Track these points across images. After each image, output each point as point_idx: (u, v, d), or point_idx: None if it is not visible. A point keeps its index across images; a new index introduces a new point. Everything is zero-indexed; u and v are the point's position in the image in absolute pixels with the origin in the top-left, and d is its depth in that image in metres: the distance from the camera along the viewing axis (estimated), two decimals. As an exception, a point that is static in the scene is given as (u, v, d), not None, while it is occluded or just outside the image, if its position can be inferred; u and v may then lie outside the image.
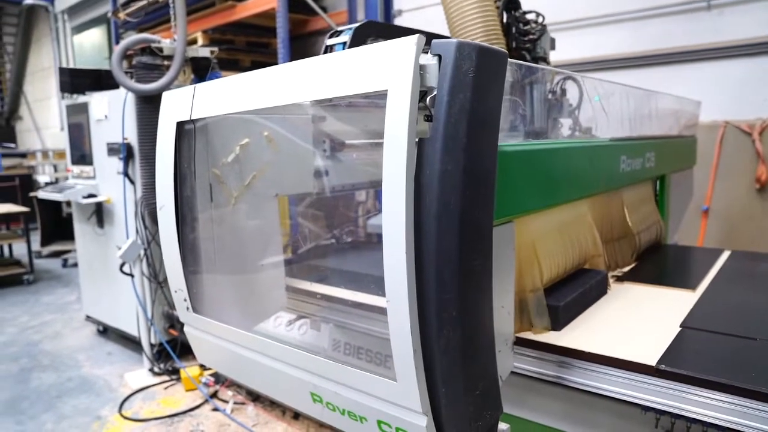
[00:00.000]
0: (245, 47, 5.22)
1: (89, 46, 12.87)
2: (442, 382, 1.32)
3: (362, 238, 3.72)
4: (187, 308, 2.14)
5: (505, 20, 2.85)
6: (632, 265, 2.74)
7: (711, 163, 3.83)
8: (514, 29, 2.72)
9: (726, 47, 3.85)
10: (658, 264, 2.88)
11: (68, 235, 6.58)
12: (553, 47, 3.19)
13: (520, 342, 1.86)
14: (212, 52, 3.28)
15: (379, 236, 3.55)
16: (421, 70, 1.27)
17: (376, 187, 3.17)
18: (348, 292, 1.91)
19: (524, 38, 2.69)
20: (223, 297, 2.20)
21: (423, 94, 1.28)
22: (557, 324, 1.96)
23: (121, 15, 5.87)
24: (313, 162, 2.50)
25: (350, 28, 2.29)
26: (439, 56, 1.27)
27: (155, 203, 3.14)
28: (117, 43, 6.37)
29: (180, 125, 1.99)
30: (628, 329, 1.98)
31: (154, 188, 3.10)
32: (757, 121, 3.71)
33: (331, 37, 2.27)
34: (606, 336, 1.90)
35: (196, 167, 2.09)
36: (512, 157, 1.61)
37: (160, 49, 2.96)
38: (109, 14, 6.83)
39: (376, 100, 2.54)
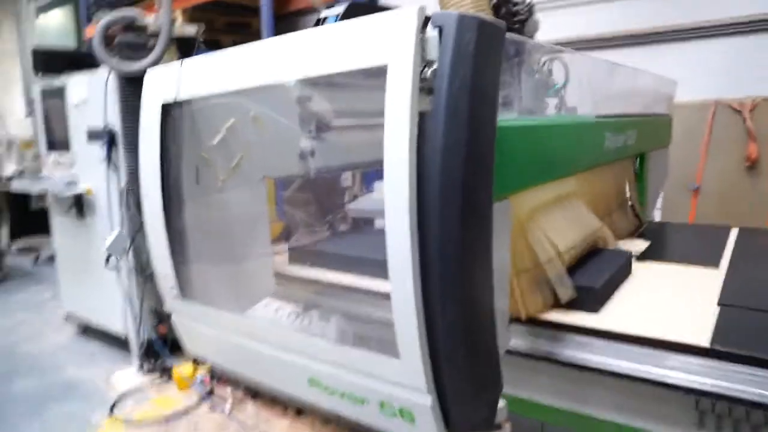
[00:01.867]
0: (225, 27, 5.08)
1: (53, 28, 12.37)
2: (446, 359, 1.31)
3: (352, 222, 3.68)
4: (175, 295, 2.09)
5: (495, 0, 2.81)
6: (647, 244, 2.70)
7: (701, 141, 3.88)
8: (503, 9, 2.69)
9: (715, 26, 3.88)
10: (673, 242, 2.84)
11: (37, 229, 6.28)
12: (537, 29, 3.18)
13: (561, 327, 1.78)
14: (197, 31, 3.17)
15: (365, 220, 3.51)
16: (421, 42, 1.24)
17: (367, 168, 3.15)
18: (344, 275, 1.89)
19: (513, 18, 2.67)
20: (213, 282, 2.15)
21: (423, 68, 1.25)
22: (595, 306, 1.88)
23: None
24: (300, 143, 2.45)
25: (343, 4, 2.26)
26: (440, 28, 1.24)
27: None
28: (88, 23, 6.13)
29: (166, 105, 1.92)
30: (663, 309, 1.91)
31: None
32: (747, 100, 3.76)
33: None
34: (645, 317, 1.82)
35: (183, 149, 2.02)
36: (508, 132, 1.59)
37: (145, 27, 2.84)
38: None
39: (369, 79, 2.51)
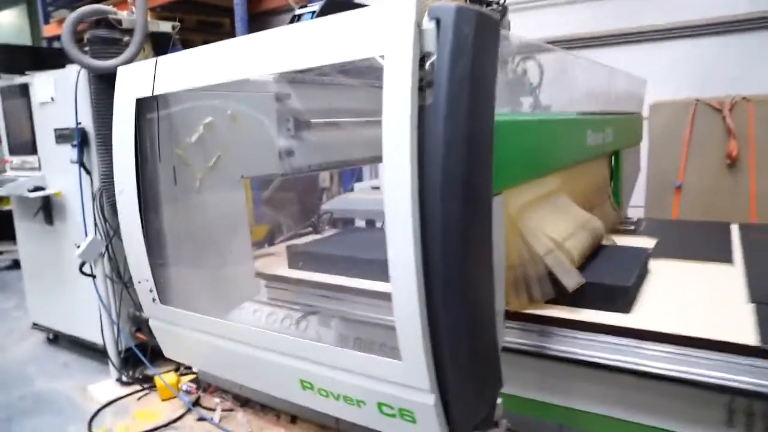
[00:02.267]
0: (196, 26, 4.94)
1: (6, 28, 11.86)
2: (450, 358, 1.28)
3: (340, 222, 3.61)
4: (153, 299, 2.00)
5: (469, -1, 2.81)
6: (652, 241, 2.65)
7: (683, 140, 3.97)
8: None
9: (694, 26, 3.99)
10: (679, 239, 2.78)
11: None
12: (509, 28, 3.19)
13: (592, 328, 1.69)
14: (174, 27, 3.04)
15: (344, 220, 3.44)
16: (419, 34, 1.21)
17: (349, 167, 3.10)
18: (331, 277, 1.84)
19: (487, 16, 2.66)
20: (194, 286, 2.07)
21: (421, 60, 1.22)
22: (627, 306, 1.77)
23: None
24: (279, 141, 2.40)
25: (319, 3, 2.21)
26: (437, 20, 1.21)
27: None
28: (46, 22, 5.87)
29: (140, 102, 1.84)
30: (694, 307, 1.83)
31: (115, 177, 2.89)
32: (726, 98, 3.86)
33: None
34: (679, 316, 1.74)
35: (160, 148, 1.93)
36: (503, 127, 1.57)
37: (119, 22, 2.70)
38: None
39: (352, 76, 2.46)
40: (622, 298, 1.77)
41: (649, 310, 1.79)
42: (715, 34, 3.94)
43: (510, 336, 1.73)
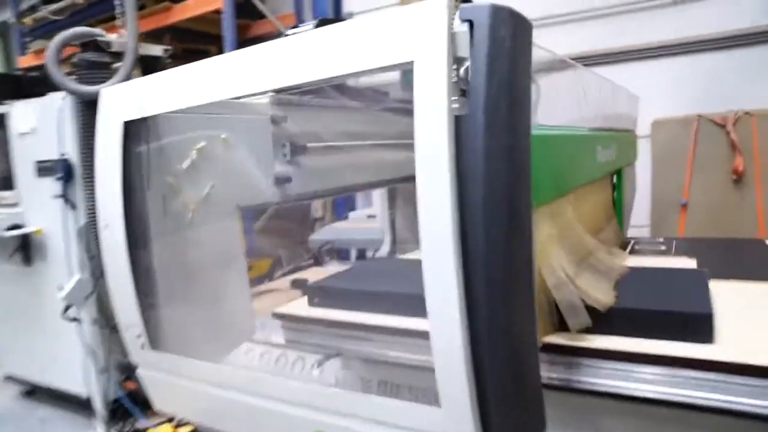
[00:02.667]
0: (182, 54, 4.81)
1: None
2: (495, 400, 1.12)
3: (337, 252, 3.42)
4: (142, 345, 1.80)
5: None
6: (690, 261, 2.36)
7: (687, 156, 3.92)
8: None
9: (694, 42, 3.98)
10: (722, 258, 2.48)
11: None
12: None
13: (671, 362, 1.43)
14: (165, 51, 2.89)
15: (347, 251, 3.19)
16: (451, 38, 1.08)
17: (357, 191, 2.95)
18: (359, 315, 1.64)
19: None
20: (188, 329, 1.87)
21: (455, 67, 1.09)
22: (709, 336, 1.51)
23: (29, 20, 5.20)
24: (275, 167, 2.24)
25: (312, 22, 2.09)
26: (470, 22, 1.09)
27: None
28: (22, 54, 5.66)
29: (128, 126, 1.67)
30: None
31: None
32: (729, 114, 3.84)
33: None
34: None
35: (149, 176, 1.77)
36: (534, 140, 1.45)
37: (108, 44, 2.53)
38: (11, 20, 6.05)
39: (353, 96, 2.32)
40: (703, 326, 1.52)
41: (731, 339, 1.52)
42: (715, 49, 3.93)
43: (558, 372, 1.52)
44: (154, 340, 1.79)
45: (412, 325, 1.47)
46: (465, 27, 1.09)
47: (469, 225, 1.07)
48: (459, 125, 1.07)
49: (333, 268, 3.07)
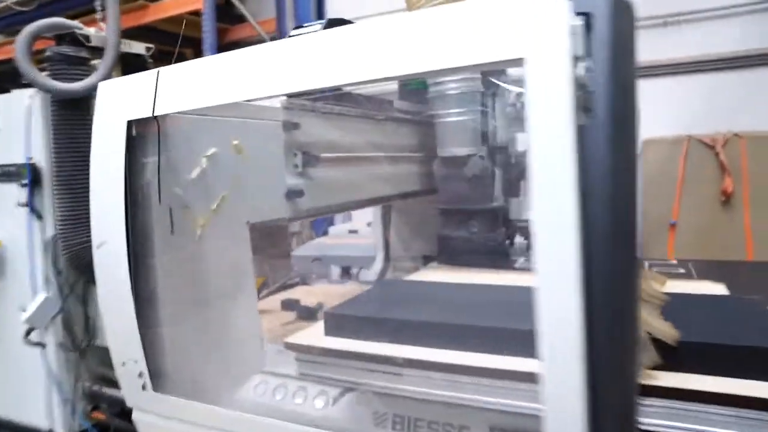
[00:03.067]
0: (158, 55, 4.52)
1: None
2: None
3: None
4: (144, 386, 1.54)
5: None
6: (718, 286, 2.12)
7: (677, 177, 3.92)
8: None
9: (685, 63, 4.03)
10: (749, 282, 2.29)
11: None
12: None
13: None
14: (148, 49, 2.63)
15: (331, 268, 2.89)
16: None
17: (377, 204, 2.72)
18: (381, 346, 1.43)
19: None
20: (197, 364, 1.62)
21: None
22: None
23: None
24: (287, 179, 2.02)
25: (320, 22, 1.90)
26: (586, 15, 0.94)
27: (78, 244, 2.36)
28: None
29: (132, 125, 1.43)
30: None
31: (77, 223, 2.35)
32: (718, 135, 3.87)
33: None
34: None
35: (159, 186, 1.52)
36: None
37: (87, 38, 2.24)
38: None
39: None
40: None
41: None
42: (706, 71, 3.98)
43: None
44: (157, 378, 1.54)
45: (476, 362, 1.28)
46: (579, 20, 0.93)
47: (594, 252, 0.90)
48: (581, 136, 0.91)
49: (322, 287, 2.86)
